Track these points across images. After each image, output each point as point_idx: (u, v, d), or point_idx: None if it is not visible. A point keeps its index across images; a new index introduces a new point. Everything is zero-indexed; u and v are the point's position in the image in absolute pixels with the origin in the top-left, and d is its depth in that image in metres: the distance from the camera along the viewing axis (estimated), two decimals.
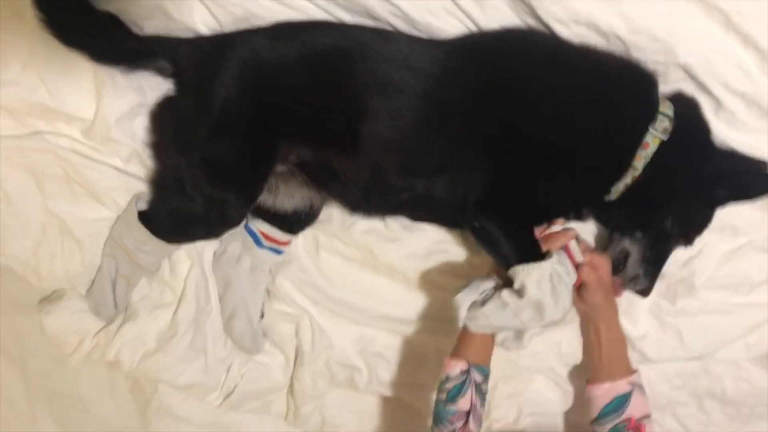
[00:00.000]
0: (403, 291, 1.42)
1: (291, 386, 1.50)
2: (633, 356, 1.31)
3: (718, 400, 1.41)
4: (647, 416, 1.17)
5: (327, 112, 1.11)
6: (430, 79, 1.09)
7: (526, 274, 1.05)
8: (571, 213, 1.21)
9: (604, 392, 1.18)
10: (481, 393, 1.18)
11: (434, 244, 1.37)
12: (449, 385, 1.15)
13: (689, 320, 1.33)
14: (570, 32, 1.13)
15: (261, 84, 1.11)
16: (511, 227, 1.11)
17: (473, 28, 1.16)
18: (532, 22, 1.15)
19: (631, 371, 1.20)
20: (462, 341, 1.20)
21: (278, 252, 1.40)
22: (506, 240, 1.11)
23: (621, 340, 1.23)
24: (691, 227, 1.18)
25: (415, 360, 1.45)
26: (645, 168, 1.11)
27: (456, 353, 1.19)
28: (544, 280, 1.05)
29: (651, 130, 1.09)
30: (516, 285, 1.07)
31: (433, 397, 1.45)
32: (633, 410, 1.15)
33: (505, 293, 1.08)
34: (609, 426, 1.15)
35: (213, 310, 1.45)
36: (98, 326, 1.44)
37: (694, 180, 1.13)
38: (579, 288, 1.18)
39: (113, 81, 1.23)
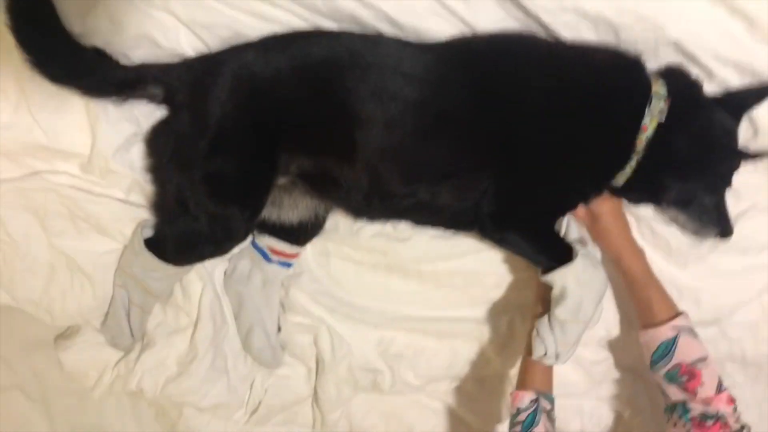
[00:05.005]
0: (418, 290, 1.42)
1: (315, 396, 1.51)
2: None
3: (738, 363, 1.42)
4: (702, 359, 1.13)
5: (323, 121, 1.11)
6: (424, 87, 1.09)
7: (563, 277, 1.11)
8: (583, 202, 1.23)
9: (650, 339, 1.17)
10: (551, 420, 1.19)
11: (446, 239, 1.37)
12: (522, 417, 1.17)
13: (702, 284, 1.34)
14: (557, 21, 1.13)
15: (255, 97, 1.10)
16: (533, 232, 1.16)
17: (461, 27, 1.16)
18: (519, 15, 1.15)
19: (675, 313, 1.18)
20: (525, 372, 1.23)
21: (288, 265, 1.41)
22: (531, 246, 1.17)
23: (649, 281, 1.21)
24: (704, 187, 1.18)
25: (436, 356, 1.47)
26: (645, 149, 1.12)
27: (521, 385, 1.22)
28: (581, 276, 1.11)
29: (648, 112, 1.11)
30: (556, 291, 1.13)
31: (454, 390, 1.51)
32: (682, 355, 1.13)
33: (552, 314, 1.14)
34: (662, 372, 1.15)
35: (230, 329, 1.45)
36: (117, 357, 1.44)
37: (692, 148, 1.14)
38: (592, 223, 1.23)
39: (106, 114, 1.22)
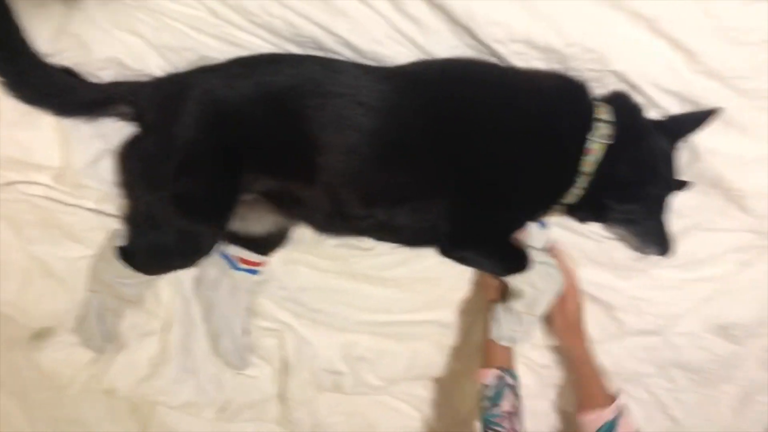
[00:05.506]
0: (381, 295, 1.48)
1: (280, 395, 1.57)
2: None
3: (682, 368, 1.50)
4: None
5: (285, 146, 1.15)
6: (380, 115, 1.12)
7: (519, 281, 1.21)
8: (533, 219, 1.30)
9: (592, 421, 1.28)
10: (517, 395, 1.28)
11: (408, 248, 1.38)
12: (489, 392, 1.26)
13: (644, 295, 1.43)
14: (508, 50, 1.19)
15: (220, 122, 1.14)
16: (489, 250, 1.23)
17: (418, 53, 1.21)
18: (472, 43, 1.20)
19: (613, 396, 1.30)
20: (488, 352, 1.32)
21: (255, 272, 1.45)
22: (489, 262, 1.25)
23: (592, 368, 1.33)
24: (644, 209, 1.25)
25: (397, 359, 1.53)
26: (597, 171, 1.17)
27: (485, 363, 1.31)
28: (537, 282, 1.21)
29: (590, 136, 1.16)
30: (512, 288, 1.23)
31: (415, 391, 1.58)
32: None
33: (509, 304, 1.25)
34: None
35: (199, 332, 1.49)
36: (91, 357, 1.47)
37: (633, 171, 1.19)
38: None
39: (77, 130, 1.25)
